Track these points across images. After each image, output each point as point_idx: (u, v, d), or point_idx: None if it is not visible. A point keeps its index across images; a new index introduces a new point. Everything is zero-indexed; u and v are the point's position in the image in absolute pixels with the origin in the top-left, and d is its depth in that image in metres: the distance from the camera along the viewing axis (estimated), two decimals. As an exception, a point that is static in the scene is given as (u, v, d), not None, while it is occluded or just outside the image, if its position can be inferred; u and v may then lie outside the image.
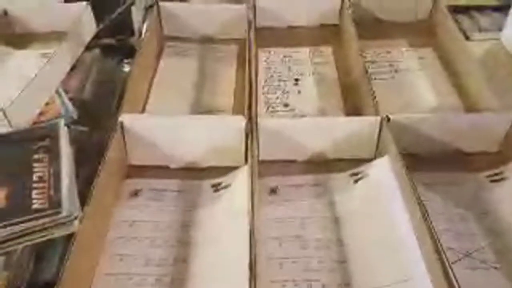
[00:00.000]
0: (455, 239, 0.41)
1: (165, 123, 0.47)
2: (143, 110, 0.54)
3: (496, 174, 0.46)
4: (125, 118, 0.46)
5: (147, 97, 0.56)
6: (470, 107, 0.54)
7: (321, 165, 0.50)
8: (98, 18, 0.69)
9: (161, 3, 0.65)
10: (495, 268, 0.39)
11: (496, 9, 1.03)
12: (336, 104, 0.57)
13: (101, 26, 0.73)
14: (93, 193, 0.39)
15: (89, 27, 0.66)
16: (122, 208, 0.44)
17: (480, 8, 1.07)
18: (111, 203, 0.44)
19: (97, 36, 0.67)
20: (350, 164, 0.49)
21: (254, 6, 0.67)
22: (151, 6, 0.67)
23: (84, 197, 0.40)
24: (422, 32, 0.67)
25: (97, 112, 0.55)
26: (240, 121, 0.47)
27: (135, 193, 0.45)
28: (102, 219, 0.42)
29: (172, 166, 0.48)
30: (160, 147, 0.47)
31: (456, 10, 1.06)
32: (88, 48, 0.65)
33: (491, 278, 0.38)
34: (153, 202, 0.45)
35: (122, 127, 0.46)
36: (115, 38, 0.67)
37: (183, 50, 0.66)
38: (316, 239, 0.42)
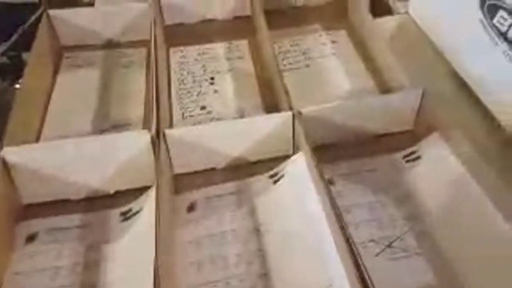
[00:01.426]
0: (378, 228, 0.40)
1: (57, 151, 0.42)
2: (38, 137, 0.48)
3: (410, 154, 0.45)
4: (8, 152, 0.40)
5: (43, 120, 0.50)
6: (384, 88, 0.53)
7: (242, 169, 0.46)
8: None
9: (51, 11, 0.58)
10: (417, 254, 0.38)
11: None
12: (255, 101, 0.54)
13: (12, 40, 0.66)
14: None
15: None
16: (16, 257, 0.38)
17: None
18: (4, 253, 0.38)
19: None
20: (271, 164, 0.46)
21: (159, 3, 0.62)
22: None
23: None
24: (335, 14, 0.65)
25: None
26: (144, 136, 0.42)
27: (31, 238, 0.40)
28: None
29: (74, 198, 0.43)
30: (55, 178, 0.42)
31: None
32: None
33: (413, 266, 0.37)
34: (52, 245, 0.39)
35: (4, 162, 0.40)
36: (6, 55, 0.60)
37: (84, 60, 0.60)
38: (237, 254, 0.39)
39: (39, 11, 0.85)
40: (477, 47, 0.47)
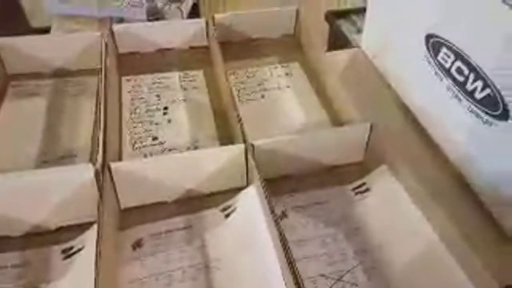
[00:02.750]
0: (329, 263, 0.39)
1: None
2: (-25, 169, 0.46)
3: (360, 186, 0.46)
4: None
5: (-18, 151, 0.48)
6: (336, 120, 0.54)
7: (194, 202, 0.45)
8: None
9: (-4, 38, 0.56)
10: (365, 289, 0.37)
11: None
12: (210, 132, 0.53)
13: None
14: None
15: None
16: None
17: (358, 11, 1.13)
18: None
19: None
20: (224, 196, 0.45)
21: (112, 31, 0.61)
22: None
23: None
24: (290, 48, 0.66)
25: None
26: (88, 169, 0.41)
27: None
28: None
29: (13, 234, 0.41)
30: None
31: (336, 14, 1.11)
32: None
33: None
34: (-16, 286, 0.37)
35: None
36: None
37: (32, 88, 0.57)
38: (184, 296, 0.37)
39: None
40: (423, 82, 0.48)
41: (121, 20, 1.40)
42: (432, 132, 0.49)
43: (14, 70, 0.58)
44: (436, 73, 0.46)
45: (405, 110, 0.53)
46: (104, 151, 0.43)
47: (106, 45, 0.58)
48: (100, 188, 0.40)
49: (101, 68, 0.57)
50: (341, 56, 0.61)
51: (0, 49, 0.57)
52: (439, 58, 0.45)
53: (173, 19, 1.40)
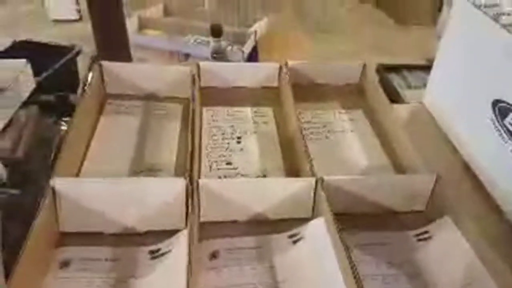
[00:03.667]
0: None
1: (99, 187, 0.46)
2: (78, 172, 0.52)
3: (422, 233, 0.48)
4: (57, 182, 0.44)
5: (84, 157, 0.55)
6: (397, 167, 0.58)
7: (262, 225, 0.50)
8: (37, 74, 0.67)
9: (103, 62, 0.65)
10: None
11: (422, 67, 1.15)
12: (277, 163, 0.58)
13: (42, 76, 0.72)
14: (17, 268, 0.36)
15: (27, 85, 0.64)
16: (51, 280, 0.41)
17: (409, 67, 1.19)
18: (40, 276, 0.41)
19: (35, 92, 0.66)
20: (290, 224, 0.49)
21: (198, 66, 0.69)
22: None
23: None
24: (353, 95, 0.71)
25: (30, 173, 0.53)
26: (181, 183, 0.46)
27: (66, 263, 0.43)
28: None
29: (107, 232, 0.46)
30: (94, 212, 0.45)
31: (388, 68, 1.16)
32: (25, 105, 0.63)
33: None
34: (84, 272, 0.42)
35: (53, 191, 0.44)
36: (54, 94, 0.66)
37: (125, 107, 0.65)
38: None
39: (71, 54, 0.92)
40: (486, 143, 0.51)
41: (187, 55, 1.51)
42: (492, 191, 0.52)
43: (111, 90, 0.66)
44: (501, 135, 0.49)
45: (465, 165, 0.56)
46: (191, 169, 0.49)
47: (194, 78, 0.66)
48: (189, 201, 0.46)
49: (185, 97, 0.65)
50: (404, 109, 0.65)
51: (104, 71, 0.65)
52: (505, 122, 0.48)
53: (234, 58, 1.50)
